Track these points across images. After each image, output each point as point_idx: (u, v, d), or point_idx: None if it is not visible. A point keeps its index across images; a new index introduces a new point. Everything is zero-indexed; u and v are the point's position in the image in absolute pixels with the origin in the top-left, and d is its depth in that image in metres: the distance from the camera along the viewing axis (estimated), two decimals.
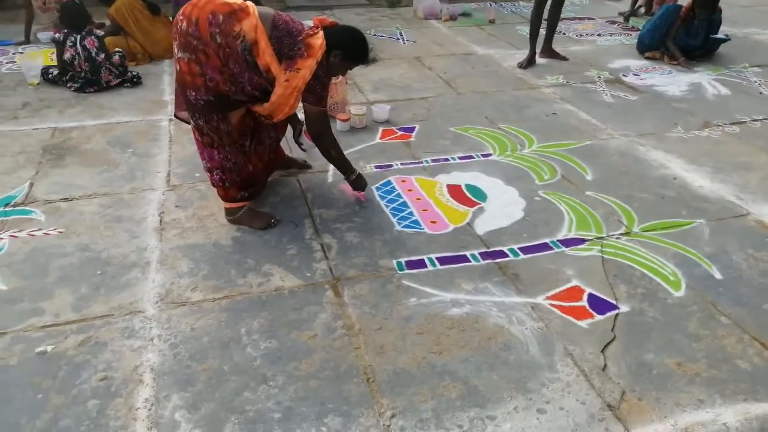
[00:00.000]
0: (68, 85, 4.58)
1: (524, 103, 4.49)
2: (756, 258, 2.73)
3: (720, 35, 5.44)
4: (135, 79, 4.75)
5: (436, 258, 2.69)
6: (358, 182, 3.05)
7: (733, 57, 5.58)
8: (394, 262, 2.66)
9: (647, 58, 5.56)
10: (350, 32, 2.75)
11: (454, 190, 3.27)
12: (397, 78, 5.01)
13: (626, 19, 6.93)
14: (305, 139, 3.12)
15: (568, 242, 2.82)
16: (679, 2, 5.74)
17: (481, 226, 2.94)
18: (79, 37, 4.52)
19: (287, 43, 2.59)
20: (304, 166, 3.48)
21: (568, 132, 4.01)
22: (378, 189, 3.26)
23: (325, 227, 2.91)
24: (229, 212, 2.92)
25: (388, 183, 3.33)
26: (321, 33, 2.62)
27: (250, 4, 2.64)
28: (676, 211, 3.08)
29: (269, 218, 2.92)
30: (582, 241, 2.83)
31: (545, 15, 5.36)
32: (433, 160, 3.60)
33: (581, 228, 2.93)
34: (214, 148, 2.79)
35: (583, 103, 4.50)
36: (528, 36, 5.43)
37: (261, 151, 2.99)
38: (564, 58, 5.53)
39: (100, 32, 4.77)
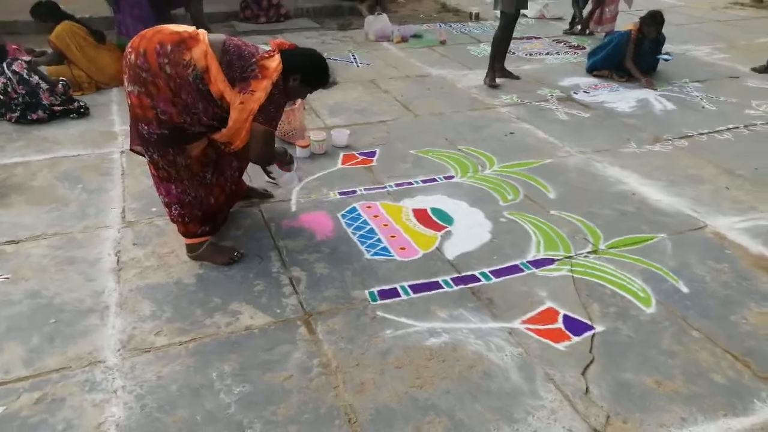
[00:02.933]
0: (7, 116, 4.35)
1: (481, 124, 4.53)
2: (717, 270, 2.80)
3: (663, 55, 5.64)
4: (82, 110, 4.55)
5: (409, 286, 2.65)
6: (288, 159, 3.00)
7: (674, 73, 5.81)
8: (366, 292, 2.60)
9: (596, 75, 5.72)
10: (310, 55, 2.70)
11: (421, 215, 3.24)
12: (354, 102, 4.99)
13: (571, 27, 7.13)
14: (274, 167, 3.04)
15: (537, 263, 2.82)
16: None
17: (451, 250, 2.91)
18: (5, 64, 4.32)
19: (239, 66, 2.51)
20: (265, 195, 3.39)
21: (527, 151, 4.06)
22: (344, 216, 3.20)
23: (293, 259, 2.83)
24: (190, 248, 2.80)
25: (354, 210, 3.28)
26: (277, 56, 2.57)
27: (200, 31, 2.56)
28: (638, 227, 3.14)
29: (232, 252, 2.82)
30: (551, 261, 2.84)
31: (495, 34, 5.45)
32: (397, 185, 3.57)
33: (549, 248, 2.94)
34: (171, 182, 2.68)
35: (539, 122, 4.57)
36: (488, 55, 5.50)
37: (222, 182, 2.89)
38: (516, 77, 5.63)
39: (27, 58, 4.59)
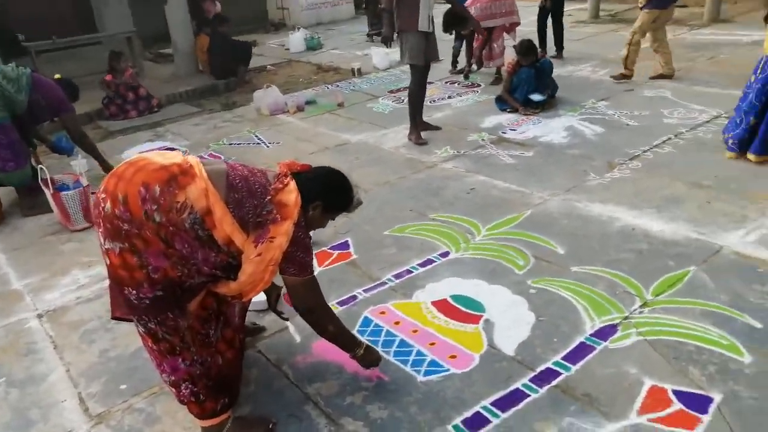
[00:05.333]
0: None
1: (436, 185, 4.26)
2: (767, 293, 2.70)
3: (535, 94, 5.68)
4: None
5: (492, 404, 2.23)
6: (369, 357, 2.36)
7: (576, 97, 5.99)
8: (450, 427, 2.14)
9: (510, 112, 5.73)
10: (328, 175, 2.26)
11: (445, 307, 2.85)
12: None
13: (466, 77, 7.19)
14: (285, 305, 2.49)
15: (601, 334, 2.54)
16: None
17: (505, 344, 2.54)
18: None
19: (251, 206, 2.02)
20: (256, 330, 2.80)
21: (500, 205, 3.83)
22: (362, 333, 2.71)
23: (336, 408, 2.29)
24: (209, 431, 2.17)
25: (368, 321, 2.80)
26: (293, 184, 2.09)
27: (193, 160, 2.03)
28: (665, 264, 3.00)
29: (266, 424, 2.22)
30: (614, 328, 2.57)
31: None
32: (396, 276, 3.15)
33: (600, 312, 2.68)
34: (177, 355, 2.07)
35: (490, 171, 4.39)
36: (396, 111, 5.28)
37: (229, 335, 2.29)
38: (437, 128, 5.47)
39: None
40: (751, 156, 4.06)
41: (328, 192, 2.20)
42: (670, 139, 4.64)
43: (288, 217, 2.05)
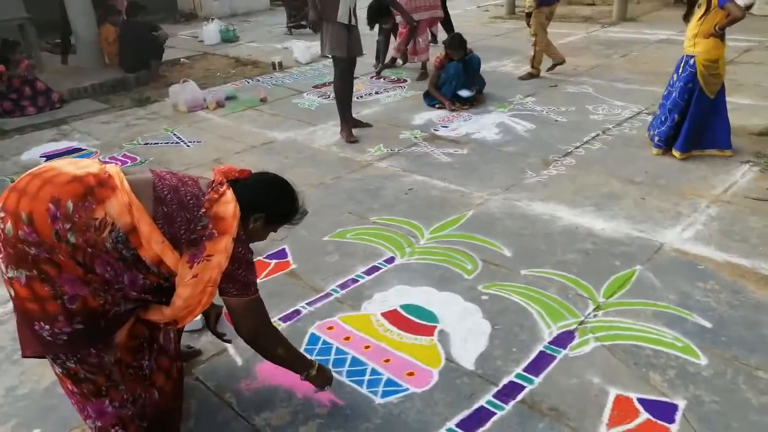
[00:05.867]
0: None
1: (372, 186, 4.09)
2: (711, 291, 2.75)
3: (462, 91, 5.63)
4: None
5: (457, 426, 2.10)
6: (322, 377, 2.17)
7: (503, 92, 6.01)
8: None
9: (439, 108, 5.66)
10: (270, 183, 2.03)
11: (396, 319, 2.69)
12: None
13: (378, 73, 7.03)
14: (226, 325, 2.24)
15: (560, 341, 2.48)
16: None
17: (464, 357, 2.43)
18: None
19: (182, 220, 1.78)
20: (191, 354, 2.53)
21: (441, 206, 3.72)
22: (309, 352, 2.50)
23: None
24: None
25: (315, 339, 2.60)
26: (230, 194, 1.85)
27: (113, 170, 1.76)
28: (611, 264, 3.00)
29: None
30: (571, 335, 2.52)
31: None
32: (341, 286, 2.96)
33: (555, 318, 2.62)
34: (103, 397, 1.81)
35: (426, 170, 4.28)
36: (322, 106, 5.06)
37: (166, 363, 2.03)
38: (368, 125, 5.30)
39: None
40: (676, 153, 4.18)
41: (270, 201, 1.99)
42: (598, 135, 4.72)
43: (226, 231, 1.82)
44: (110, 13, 7.63)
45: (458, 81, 5.60)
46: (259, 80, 7.23)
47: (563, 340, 2.48)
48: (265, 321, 2.02)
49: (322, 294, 2.91)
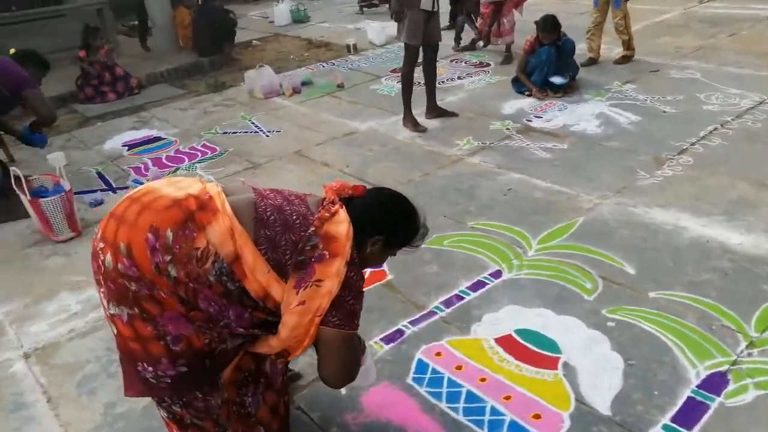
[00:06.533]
0: None
1: (466, 184, 3.80)
2: None
3: (555, 78, 5.21)
4: None
5: None
6: None
7: (598, 79, 5.54)
8: None
9: (528, 95, 5.27)
10: (389, 201, 1.77)
11: (512, 346, 2.42)
12: (297, 186, 3.90)
13: (458, 44, 6.67)
14: None
15: (711, 386, 2.14)
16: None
17: (596, 398, 2.13)
18: None
19: (288, 242, 1.56)
20: (290, 378, 2.34)
21: (546, 210, 3.40)
22: (417, 381, 2.27)
23: None
24: None
25: (423, 366, 2.36)
26: (343, 213, 1.61)
27: (214, 190, 1.57)
28: (759, 290, 2.61)
29: None
30: (723, 378, 2.17)
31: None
32: (445, 303, 2.71)
33: (701, 355, 2.28)
34: None
35: (524, 167, 3.95)
36: (401, 96, 4.76)
37: (272, 398, 1.85)
38: (453, 114, 4.99)
39: None
40: None
41: (389, 222, 1.74)
42: (716, 129, 4.24)
43: (338, 253, 1.58)
44: None
45: (550, 67, 5.18)
46: (333, 64, 6.99)
47: (715, 384, 2.14)
48: (357, 361, 1.78)
49: (425, 312, 2.66)
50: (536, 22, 5.26)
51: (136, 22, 8.46)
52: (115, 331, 1.55)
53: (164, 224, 1.45)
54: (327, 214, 1.60)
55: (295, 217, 1.59)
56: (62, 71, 6.35)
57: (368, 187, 1.78)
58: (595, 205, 3.41)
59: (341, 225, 1.59)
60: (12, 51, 4.03)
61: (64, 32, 7.89)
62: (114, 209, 1.54)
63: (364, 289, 1.69)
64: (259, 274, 1.52)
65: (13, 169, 3.51)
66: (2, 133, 4.34)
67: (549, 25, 5.17)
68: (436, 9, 4.47)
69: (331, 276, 1.56)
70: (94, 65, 6.18)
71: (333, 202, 1.65)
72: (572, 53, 5.35)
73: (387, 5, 9.59)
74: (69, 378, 2.46)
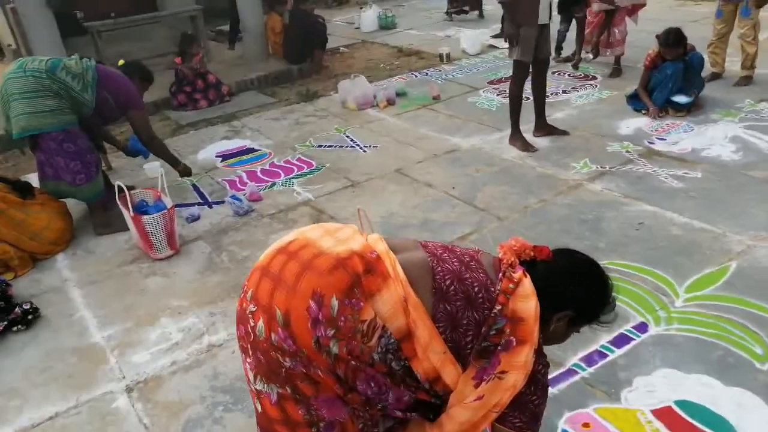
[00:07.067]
0: None
1: (590, 215, 3.44)
2: None
3: (678, 97, 4.74)
4: (29, 315, 2.97)
5: None
6: None
7: (724, 96, 5.02)
8: None
9: (645, 114, 4.82)
10: (585, 269, 1.48)
11: (674, 422, 2.07)
12: (403, 210, 3.73)
13: (575, 66, 6.26)
14: None
15: None
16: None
17: None
18: None
19: (471, 322, 1.32)
20: None
21: (689, 252, 3.00)
22: None
23: None
24: None
25: None
26: (528, 284, 1.34)
27: (380, 246, 1.33)
28: None
29: None
30: None
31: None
32: (586, 361, 2.38)
33: None
34: None
35: (654, 197, 3.54)
36: (502, 106, 4.44)
37: None
38: (564, 132, 4.63)
39: None
40: None
41: (581, 296, 1.45)
42: None
43: (527, 339, 1.32)
44: (277, 2, 7.46)
45: (675, 84, 4.72)
46: (426, 74, 6.73)
47: None
48: None
49: (563, 370, 2.34)
50: (657, 36, 4.81)
51: (224, 27, 8.49)
52: (260, 409, 1.34)
53: (329, 291, 1.22)
54: (511, 285, 1.33)
55: (476, 288, 1.33)
56: (156, 77, 6.37)
57: (551, 247, 1.49)
58: (748, 248, 2.98)
59: (529, 301, 1.33)
60: (120, 62, 3.99)
61: (157, 38, 8.05)
62: (266, 264, 1.33)
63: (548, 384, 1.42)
64: (432, 354, 1.28)
65: (118, 183, 3.43)
66: (103, 142, 4.32)
67: (671, 38, 4.70)
68: (548, 22, 4.16)
69: (517, 367, 1.30)
70: (188, 72, 6.17)
71: (512, 266, 1.37)
72: (701, 69, 4.88)
73: (476, 12, 9.33)
74: (173, 421, 2.30)
